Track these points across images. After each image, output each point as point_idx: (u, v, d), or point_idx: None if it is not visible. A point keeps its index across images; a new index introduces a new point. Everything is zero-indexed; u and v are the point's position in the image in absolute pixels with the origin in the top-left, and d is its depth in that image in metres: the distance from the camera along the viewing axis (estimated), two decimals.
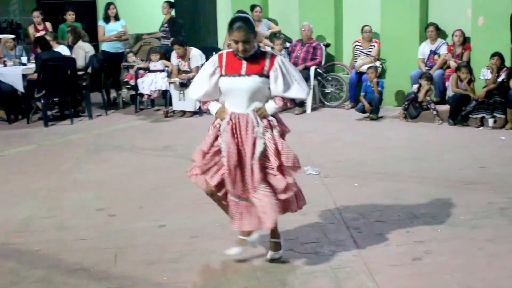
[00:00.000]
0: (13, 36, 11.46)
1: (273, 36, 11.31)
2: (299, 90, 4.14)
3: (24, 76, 9.91)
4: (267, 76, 4.10)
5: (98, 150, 8.01)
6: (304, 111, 10.30)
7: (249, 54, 4.10)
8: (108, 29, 11.36)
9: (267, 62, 4.10)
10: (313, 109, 10.45)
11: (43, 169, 7.08)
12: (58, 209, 5.64)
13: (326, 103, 10.80)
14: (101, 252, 4.54)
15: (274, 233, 4.34)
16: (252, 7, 11.38)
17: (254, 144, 4.05)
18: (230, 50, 4.19)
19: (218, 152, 4.14)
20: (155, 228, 4.98)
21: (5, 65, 10.23)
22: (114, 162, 7.37)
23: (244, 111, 4.10)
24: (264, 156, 4.06)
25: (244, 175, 4.10)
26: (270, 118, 4.12)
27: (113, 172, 6.88)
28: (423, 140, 8.15)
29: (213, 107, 4.24)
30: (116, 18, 11.45)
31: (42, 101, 9.58)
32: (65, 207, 5.68)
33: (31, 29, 11.53)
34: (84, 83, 10.32)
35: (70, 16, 11.69)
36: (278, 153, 4.06)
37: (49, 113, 9.92)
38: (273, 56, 4.14)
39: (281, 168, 4.08)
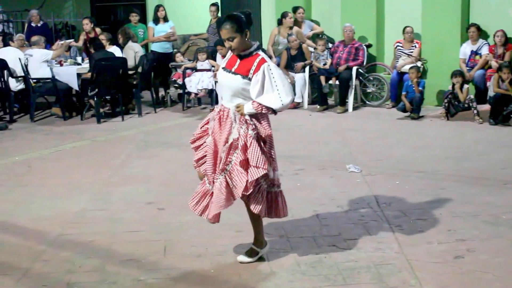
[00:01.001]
0: (72, 40, 11.83)
1: (315, 37, 11.35)
2: (274, 99, 4.06)
3: (79, 75, 10.15)
4: (250, 79, 4.10)
5: (147, 146, 8.15)
6: (346, 110, 10.36)
7: (241, 53, 4.17)
8: (157, 30, 11.61)
9: (254, 65, 4.10)
10: (355, 108, 10.50)
11: (96, 164, 7.26)
12: (110, 202, 5.77)
13: (367, 102, 10.83)
14: (151, 244, 4.66)
15: (256, 240, 4.38)
16: (295, 9, 11.43)
17: (228, 135, 4.15)
18: None
19: (205, 132, 4.35)
20: (202, 222, 4.94)
21: (61, 65, 10.51)
22: (163, 158, 7.50)
23: (228, 105, 4.21)
24: (233, 148, 4.11)
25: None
26: (247, 117, 4.12)
27: (161, 167, 7.01)
28: (463, 139, 8.10)
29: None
30: (165, 19, 11.66)
31: (95, 99, 9.81)
32: (116, 201, 5.81)
33: (82, 36, 11.85)
34: (134, 82, 10.53)
35: (133, 17, 11.99)
36: (245, 150, 4.06)
37: (101, 110, 10.12)
38: (261, 61, 4.10)
39: (244, 164, 4.06)
